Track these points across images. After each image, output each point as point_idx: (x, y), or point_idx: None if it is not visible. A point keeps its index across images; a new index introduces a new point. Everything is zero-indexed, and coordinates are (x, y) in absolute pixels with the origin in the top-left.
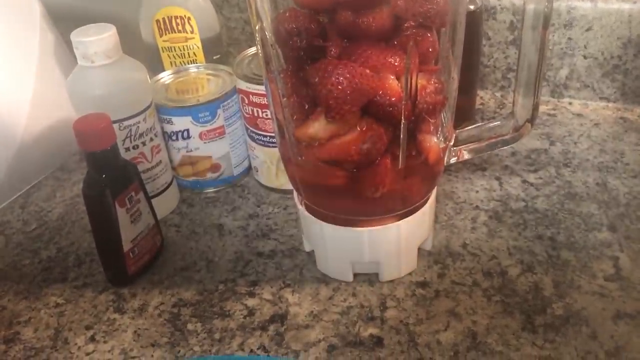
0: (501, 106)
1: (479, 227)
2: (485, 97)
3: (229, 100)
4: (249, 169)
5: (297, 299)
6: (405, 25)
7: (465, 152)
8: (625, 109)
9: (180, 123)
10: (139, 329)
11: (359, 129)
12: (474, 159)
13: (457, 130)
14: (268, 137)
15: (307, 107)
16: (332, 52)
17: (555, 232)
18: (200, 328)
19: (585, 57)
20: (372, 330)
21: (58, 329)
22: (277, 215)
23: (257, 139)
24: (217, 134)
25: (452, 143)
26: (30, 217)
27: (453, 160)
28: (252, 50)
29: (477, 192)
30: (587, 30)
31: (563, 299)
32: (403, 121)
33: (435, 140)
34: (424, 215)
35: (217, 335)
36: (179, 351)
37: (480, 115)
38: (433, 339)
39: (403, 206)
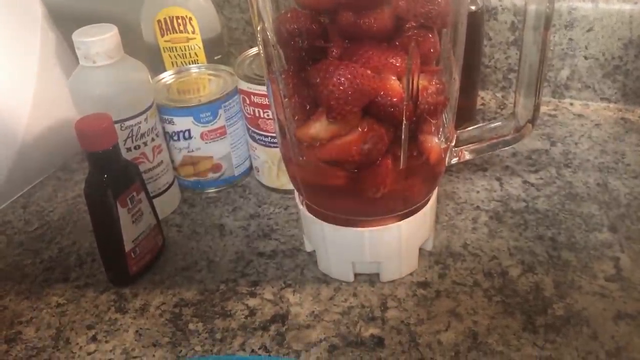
0: (502, 107)
1: (479, 228)
2: (486, 98)
3: (230, 101)
4: (250, 169)
5: (298, 299)
6: (407, 26)
7: (466, 153)
8: (626, 110)
9: (181, 123)
10: (141, 328)
11: (360, 129)
12: (475, 160)
13: (458, 131)
14: (269, 138)
15: (308, 107)
16: (334, 53)
17: (556, 232)
18: (202, 328)
19: (586, 58)
20: (373, 330)
21: (59, 329)
22: (278, 215)
23: (259, 139)
24: (218, 134)
25: (453, 143)
26: (32, 217)
27: (454, 160)
28: (254, 50)
29: (477, 192)
30: (588, 30)
31: (564, 299)
32: (404, 122)
33: (437, 140)
34: (424, 216)
35: (218, 335)
36: (181, 351)
37: (481, 116)
38: (434, 339)
39: (404, 206)
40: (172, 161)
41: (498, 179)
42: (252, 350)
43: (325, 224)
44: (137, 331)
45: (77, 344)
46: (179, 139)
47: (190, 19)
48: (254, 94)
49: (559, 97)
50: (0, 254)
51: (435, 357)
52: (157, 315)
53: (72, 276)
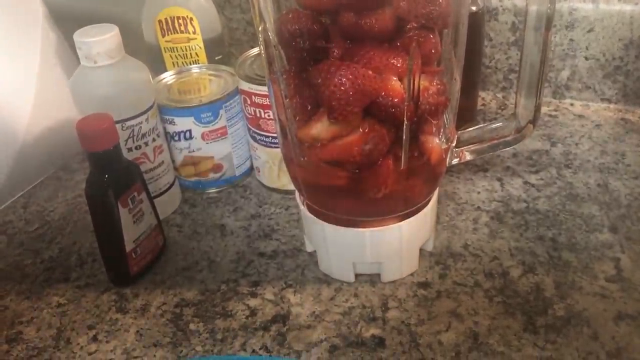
0: (503, 107)
1: (480, 228)
2: (486, 98)
3: (231, 101)
4: (251, 169)
5: (299, 299)
6: (408, 26)
7: (467, 153)
8: (627, 110)
9: (182, 123)
10: (141, 329)
11: (361, 130)
12: (476, 160)
13: (459, 132)
14: (270, 138)
15: (309, 108)
16: (335, 54)
17: (557, 233)
18: (203, 328)
19: (586, 59)
20: (373, 330)
21: (60, 329)
22: (279, 215)
23: (259, 139)
24: (219, 135)
25: (454, 144)
26: (33, 217)
27: (455, 161)
28: (255, 51)
29: (478, 193)
30: (589, 31)
31: (564, 300)
32: (405, 122)
33: (438, 141)
34: (425, 216)
35: (219, 336)
36: (181, 351)
37: (481, 117)
38: (435, 339)
39: (405, 207)
40: (173, 161)
41: (499, 180)
42: (253, 351)
43: (326, 224)
44: (137, 331)
45: (78, 344)
46: (179, 139)
47: (191, 19)
48: (255, 94)
49: (559, 97)
50: (1, 254)
51: (436, 357)
52: (158, 315)
53: (73, 276)
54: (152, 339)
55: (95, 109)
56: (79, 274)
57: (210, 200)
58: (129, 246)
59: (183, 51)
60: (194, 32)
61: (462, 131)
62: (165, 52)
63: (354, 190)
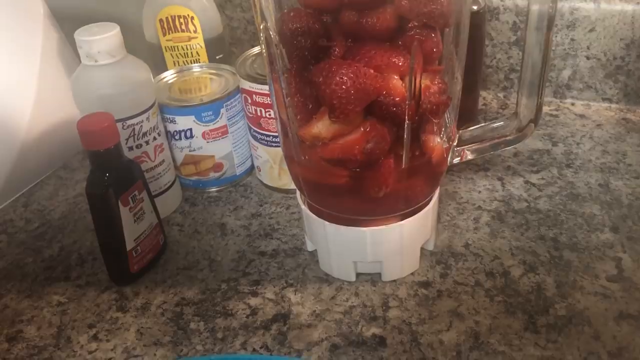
0: (504, 107)
1: (481, 228)
2: (487, 98)
3: (232, 100)
4: (252, 168)
5: (300, 299)
6: (409, 25)
7: (468, 153)
8: (628, 110)
9: (183, 122)
10: (142, 327)
11: (362, 129)
12: (477, 160)
13: (460, 131)
14: (271, 137)
15: (310, 106)
16: (336, 52)
17: (558, 232)
18: (203, 327)
19: (588, 58)
20: (374, 329)
21: (61, 328)
22: (280, 214)
23: (260, 138)
24: (220, 134)
25: (455, 143)
26: (33, 216)
27: (456, 160)
28: (255, 49)
29: (479, 192)
30: (590, 31)
31: (565, 299)
32: (407, 121)
33: (439, 140)
34: (426, 215)
35: (219, 335)
36: (182, 350)
37: (482, 116)
38: (436, 338)
39: (406, 206)
40: (174, 160)
41: (500, 179)
42: (254, 350)
43: (327, 223)
44: (138, 330)
45: (79, 342)
46: (180, 138)
47: (192, 18)
48: (256, 93)
49: (560, 97)
50: (1, 253)
51: (437, 356)
52: (159, 314)
53: (73, 275)
54: (152, 337)
55: (96, 107)
56: (79, 272)
57: (211, 200)
58: (129, 245)
59: (184, 50)
60: (195, 31)
61: (464, 130)
62: (166, 51)
63: (355, 189)
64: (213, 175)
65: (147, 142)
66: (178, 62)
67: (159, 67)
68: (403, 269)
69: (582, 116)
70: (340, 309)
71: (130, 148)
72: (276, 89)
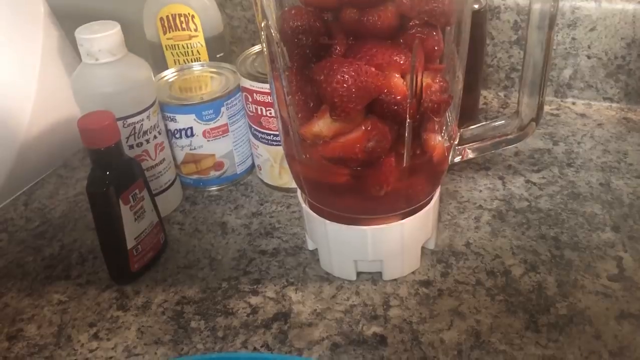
0: (504, 106)
1: (482, 227)
2: (488, 97)
3: (232, 99)
4: (252, 167)
5: (301, 297)
6: (411, 23)
7: (469, 151)
8: (629, 109)
9: (184, 121)
10: (143, 326)
11: (363, 127)
12: (478, 159)
13: (462, 129)
14: (271, 136)
15: (311, 105)
16: (338, 50)
17: (559, 231)
18: (204, 326)
19: (589, 57)
20: (375, 328)
21: (61, 326)
22: (280, 213)
23: (261, 137)
24: (220, 132)
25: (456, 142)
26: (34, 215)
27: (457, 159)
28: (256, 48)
29: (480, 191)
30: (591, 30)
31: (566, 298)
32: (408, 120)
33: (440, 139)
34: (427, 214)
35: (220, 333)
36: (182, 349)
37: (483, 115)
38: (436, 337)
39: (407, 205)
40: (174, 159)
41: (501, 178)
42: (254, 349)
43: (327, 222)
44: (139, 329)
45: (79, 341)
46: (181, 137)
47: (192, 16)
48: (257, 92)
49: (561, 96)
50: (2, 252)
51: (438, 355)
52: (159, 312)
53: (74, 274)
54: (153, 336)
55: (96, 106)
56: (79, 271)
57: (212, 198)
58: (130, 243)
59: (184, 49)
60: (196, 30)
61: (465, 129)
62: (167, 49)
63: (356, 188)
64: (213, 174)
65: (147, 141)
66: (178, 60)
67: (160, 65)
68: (404, 268)
69: (583, 115)
70: (341, 308)
71: (131, 146)
72: (277, 87)
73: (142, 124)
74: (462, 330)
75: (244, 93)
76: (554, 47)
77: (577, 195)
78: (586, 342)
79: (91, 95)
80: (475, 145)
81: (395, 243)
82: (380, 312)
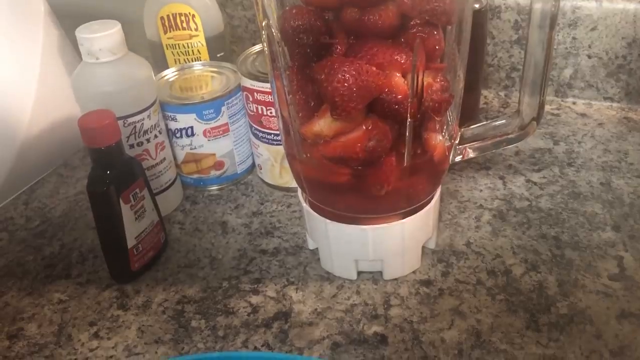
0: (505, 105)
1: (483, 226)
2: (489, 97)
3: (233, 98)
4: (253, 166)
5: (301, 297)
6: (412, 23)
7: (470, 151)
8: (630, 109)
9: (184, 120)
10: (143, 325)
11: (364, 126)
12: (478, 158)
13: (462, 129)
14: (272, 135)
15: (312, 104)
16: (338, 50)
17: (559, 231)
18: (204, 325)
19: (589, 57)
20: (376, 328)
21: (62, 325)
22: (281, 213)
23: (261, 136)
24: (221, 132)
25: (457, 141)
26: (34, 214)
27: (458, 158)
28: (257, 47)
29: (481, 191)
30: (592, 29)
31: (567, 298)
32: (409, 119)
33: (441, 138)
34: (428, 214)
35: (220, 333)
36: (183, 348)
37: (484, 115)
38: (437, 337)
39: (407, 204)
40: (175, 158)
41: (501, 178)
42: (255, 348)
43: (328, 221)
44: (139, 328)
45: (79, 340)
46: (181, 136)
47: (193, 16)
48: (257, 91)
49: (562, 96)
50: (2, 251)
51: (439, 355)
52: (160, 312)
53: (74, 273)
54: (153, 335)
55: (97, 105)
56: (80, 270)
57: (212, 198)
58: (130, 243)
59: (185, 48)
60: (196, 29)
61: (465, 128)
62: (167, 49)
63: (356, 188)
64: (214, 173)
65: (148, 140)
66: (179, 60)
67: (160, 65)
68: (404, 268)
69: (583, 115)
70: (342, 307)
71: (131, 146)
72: (278, 87)
73: (142, 123)
74: (462, 330)
75: (245, 92)
76: (555, 47)
77: (577, 195)
78: (587, 342)
79: (92, 94)
80: (476, 144)
81: (396, 242)
82: (380, 311)
